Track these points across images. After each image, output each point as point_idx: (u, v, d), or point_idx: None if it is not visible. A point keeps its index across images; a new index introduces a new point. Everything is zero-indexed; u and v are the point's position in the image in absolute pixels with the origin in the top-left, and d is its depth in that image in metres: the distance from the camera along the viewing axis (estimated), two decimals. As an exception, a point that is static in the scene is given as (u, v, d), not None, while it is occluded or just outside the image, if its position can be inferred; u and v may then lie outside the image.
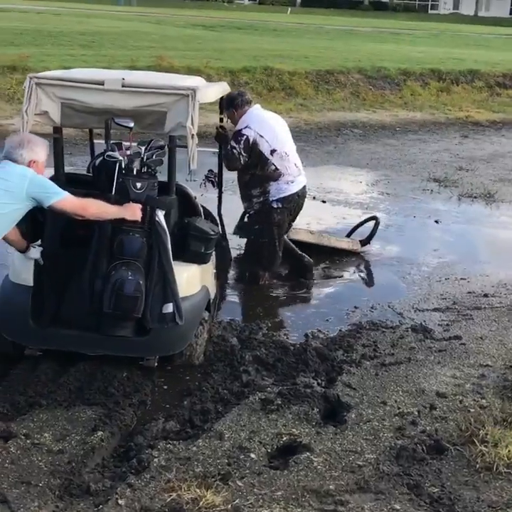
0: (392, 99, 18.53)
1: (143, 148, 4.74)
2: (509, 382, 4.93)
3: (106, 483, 3.62)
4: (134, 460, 3.80)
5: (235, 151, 6.18)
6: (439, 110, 18.02)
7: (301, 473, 3.76)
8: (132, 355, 4.86)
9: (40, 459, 3.78)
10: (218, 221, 6.42)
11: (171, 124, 4.86)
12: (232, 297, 6.58)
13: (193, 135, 4.80)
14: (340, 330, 5.72)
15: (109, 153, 4.69)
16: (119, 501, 3.42)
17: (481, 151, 13.93)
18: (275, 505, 3.48)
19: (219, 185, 6.52)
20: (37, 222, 4.91)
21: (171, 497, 3.45)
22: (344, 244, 7.57)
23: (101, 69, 5.13)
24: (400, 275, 7.16)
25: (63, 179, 4.95)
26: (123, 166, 4.62)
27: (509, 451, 3.93)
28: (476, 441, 4.02)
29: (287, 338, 5.54)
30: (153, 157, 4.73)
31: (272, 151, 6.26)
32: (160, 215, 4.66)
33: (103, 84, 4.84)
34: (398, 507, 3.50)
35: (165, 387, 4.81)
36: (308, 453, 3.94)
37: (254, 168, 6.33)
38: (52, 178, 4.61)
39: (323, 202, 9.60)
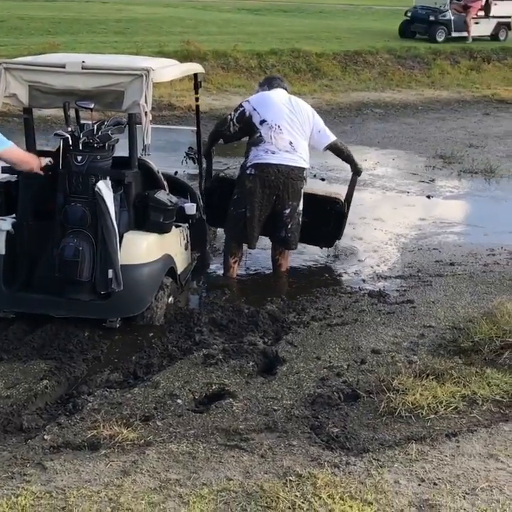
0: (419, 78, 18.60)
1: (95, 126, 5.13)
2: (445, 341, 5.20)
3: (39, 422, 4.07)
4: (70, 404, 4.24)
5: (228, 117, 6.33)
6: (467, 88, 18.03)
7: (217, 416, 4.13)
8: (93, 317, 5.29)
9: (-12, 402, 4.25)
10: (199, 197, 6.81)
11: (129, 102, 5.26)
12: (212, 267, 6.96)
13: (146, 112, 5.20)
14: (298, 295, 6.06)
15: (57, 132, 5.13)
16: (46, 436, 3.86)
17: (498, 128, 14.01)
18: (184, 441, 3.86)
19: (199, 161, 6.91)
20: (10, 196, 5.42)
21: (92, 433, 3.87)
22: None
23: (68, 53, 5.60)
24: (374, 246, 7.42)
25: None
26: (69, 142, 5.04)
27: (415, 398, 4.23)
28: (385, 389, 4.34)
29: (246, 302, 5.88)
30: (101, 133, 5.11)
31: (262, 121, 6.22)
32: (101, 185, 5.04)
33: (64, 67, 5.31)
34: (295, 443, 3.85)
35: (121, 345, 5.23)
36: (231, 399, 4.31)
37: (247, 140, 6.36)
38: None
39: (322, 180, 9.85)
